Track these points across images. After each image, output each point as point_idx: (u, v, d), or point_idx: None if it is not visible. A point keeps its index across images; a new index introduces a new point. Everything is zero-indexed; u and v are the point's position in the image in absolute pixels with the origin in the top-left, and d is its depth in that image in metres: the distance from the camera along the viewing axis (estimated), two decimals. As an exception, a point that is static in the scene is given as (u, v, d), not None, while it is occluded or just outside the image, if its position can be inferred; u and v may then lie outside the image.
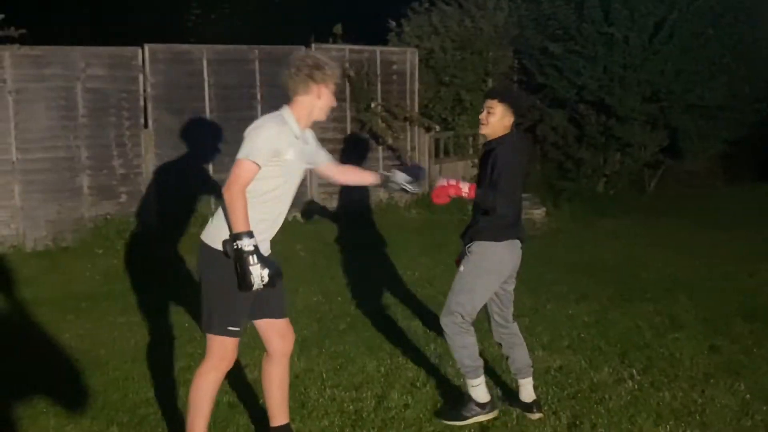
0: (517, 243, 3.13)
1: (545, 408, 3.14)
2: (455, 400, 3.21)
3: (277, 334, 2.75)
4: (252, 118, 2.80)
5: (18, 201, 6.02)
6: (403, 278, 5.31)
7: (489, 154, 3.10)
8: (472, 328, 3.08)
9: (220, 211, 2.57)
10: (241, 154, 2.46)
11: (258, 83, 7.24)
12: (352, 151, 7.52)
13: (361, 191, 7.29)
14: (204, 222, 2.93)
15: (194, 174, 6.31)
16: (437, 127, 8.11)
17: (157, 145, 6.58)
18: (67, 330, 4.17)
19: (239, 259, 2.39)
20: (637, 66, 8.02)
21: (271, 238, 2.68)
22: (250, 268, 2.38)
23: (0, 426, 2.98)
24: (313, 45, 7.34)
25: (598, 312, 4.51)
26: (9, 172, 5.93)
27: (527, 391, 3.19)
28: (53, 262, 5.67)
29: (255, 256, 2.39)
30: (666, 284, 5.16)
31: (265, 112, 7.10)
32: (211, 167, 6.56)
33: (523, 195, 3.46)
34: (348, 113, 7.78)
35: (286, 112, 2.65)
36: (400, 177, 2.95)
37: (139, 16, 9.21)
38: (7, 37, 6.26)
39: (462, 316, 3.04)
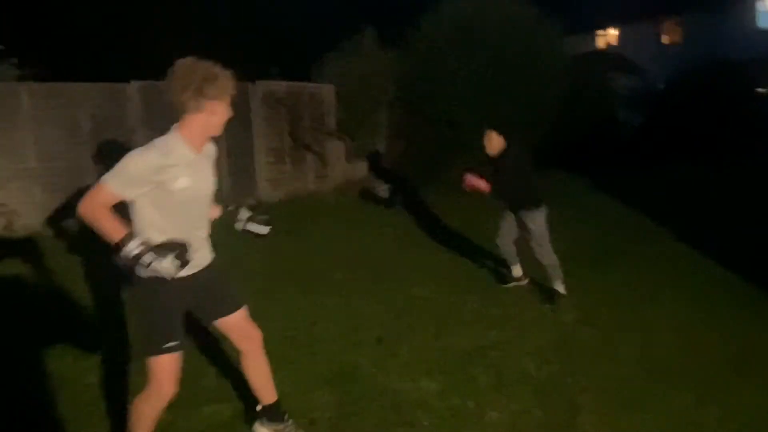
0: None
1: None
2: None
3: (237, 332, 2.55)
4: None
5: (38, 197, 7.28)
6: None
7: (498, 161, 4.59)
8: None
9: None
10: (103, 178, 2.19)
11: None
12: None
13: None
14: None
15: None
16: (347, 138, 10.30)
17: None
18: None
19: (132, 266, 2.11)
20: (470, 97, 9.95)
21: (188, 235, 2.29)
22: (153, 265, 2.09)
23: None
24: (257, 81, 9.11)
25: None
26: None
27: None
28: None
29: (146, 255, 2.10)
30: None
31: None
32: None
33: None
34: (284, 129, 9.49)
35: (174, 135, 2.27)
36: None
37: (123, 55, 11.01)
38: (25, 75, 7.99)
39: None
